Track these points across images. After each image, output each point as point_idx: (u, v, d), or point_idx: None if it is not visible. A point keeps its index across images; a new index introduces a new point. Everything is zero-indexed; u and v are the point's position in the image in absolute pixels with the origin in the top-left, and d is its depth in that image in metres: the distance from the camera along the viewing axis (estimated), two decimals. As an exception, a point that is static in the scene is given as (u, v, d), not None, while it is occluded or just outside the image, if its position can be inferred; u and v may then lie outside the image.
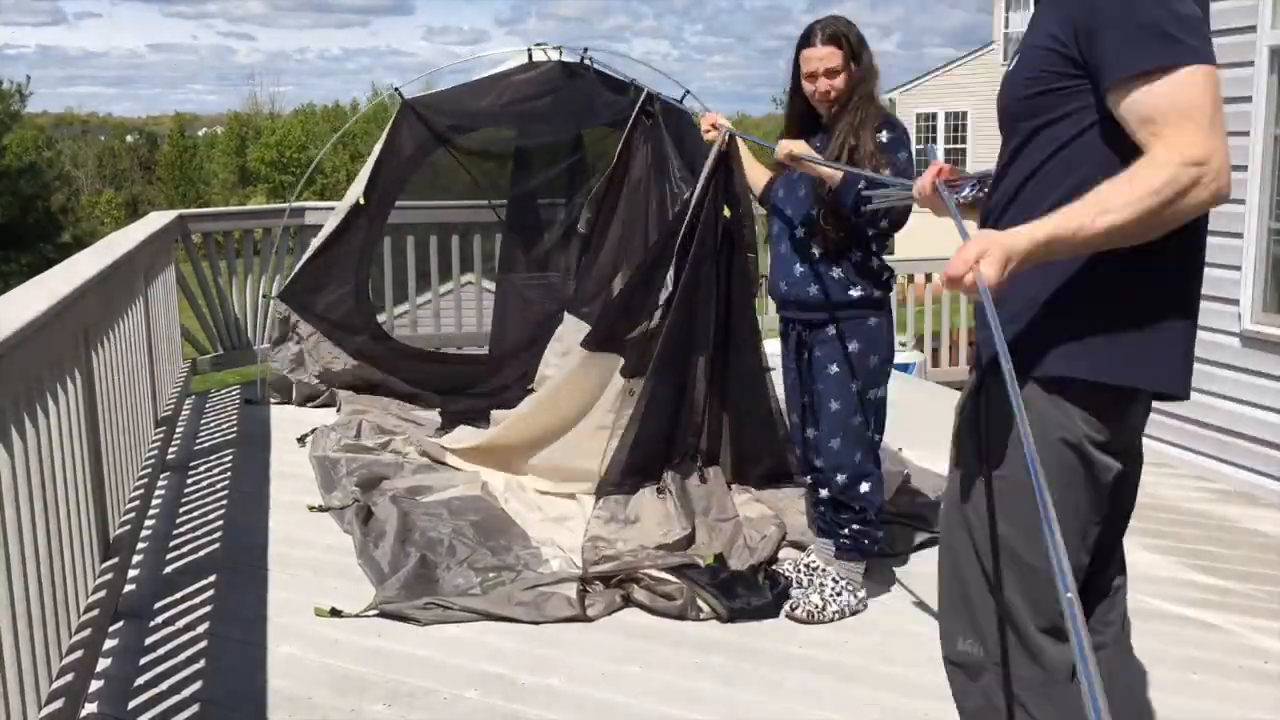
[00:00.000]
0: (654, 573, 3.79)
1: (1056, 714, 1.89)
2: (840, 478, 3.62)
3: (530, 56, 6.29)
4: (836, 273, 3.56)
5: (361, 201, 6.23)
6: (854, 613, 3.67)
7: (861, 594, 3.73)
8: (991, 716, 1.96)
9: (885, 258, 3.69)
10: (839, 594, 3.65)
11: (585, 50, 6.25)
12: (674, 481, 4.25)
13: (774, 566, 3.95)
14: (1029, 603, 1.89)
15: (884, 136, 3.49)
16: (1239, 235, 5.06)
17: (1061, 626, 1.86)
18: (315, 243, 6.42)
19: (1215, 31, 5.47)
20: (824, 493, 3.69)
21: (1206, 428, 5.33)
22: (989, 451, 1.94)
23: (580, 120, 6.40)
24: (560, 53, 6.26)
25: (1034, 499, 1.28)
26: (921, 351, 8.91)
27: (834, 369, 3.59)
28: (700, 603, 3.69)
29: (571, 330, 5.94)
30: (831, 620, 3.61)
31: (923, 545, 4.26)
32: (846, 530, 3.67)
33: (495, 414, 5.64)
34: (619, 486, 4.26)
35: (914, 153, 3.59)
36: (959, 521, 1.99)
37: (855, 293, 3.56)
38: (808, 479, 3.89)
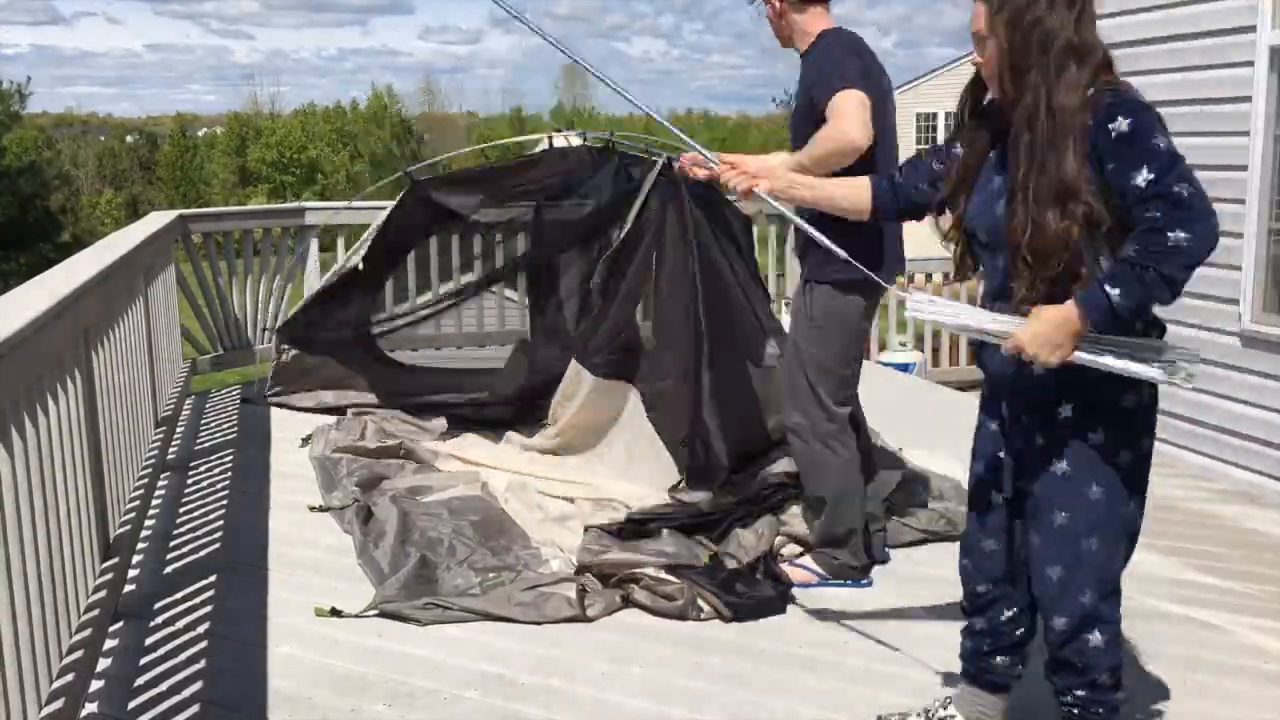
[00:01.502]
0: (654, 573, 3.79)
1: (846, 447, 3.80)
2: (1060, 622, 2.54)
3: (550, 142, 6.03)
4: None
5: (361, 268, 6.11)
6: None
7: None
8: (813, 457, 3.85)
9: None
10: None
11: (611, 135, 5.96)
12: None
13: (778, 564, 3.95)
14: (830, 390, 3.78)
15: (1123, 125, 2.27)
16: (1239, 235, 5.06)
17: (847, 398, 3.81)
18: (315, 289, 6.31)
19: (1215, 31, 5.45)
20: (1050, 643, 2.60)
21: (1206, 428, 5.33)
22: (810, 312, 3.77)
23: (604, 215, 5.90)
24: (584, 139, 6.01)
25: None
26: (921, 351, 8.91)
27: (1063, 467, 2.47)
28: (701, 602, 3.69)
29: (576, 378, 5.77)
30: None
31: (919, 543, 4.26)
32: (1069, 697, 2.59)
33: (511, 435, 5.53)
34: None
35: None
36: (794, 353, 3.85)
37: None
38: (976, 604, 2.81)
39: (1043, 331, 2.32)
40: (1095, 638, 2.53)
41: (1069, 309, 2.30)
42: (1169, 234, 2.21)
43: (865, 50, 3.76)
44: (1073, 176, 2.29)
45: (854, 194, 2.86)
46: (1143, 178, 2.24)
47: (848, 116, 3.54)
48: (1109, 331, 2.32)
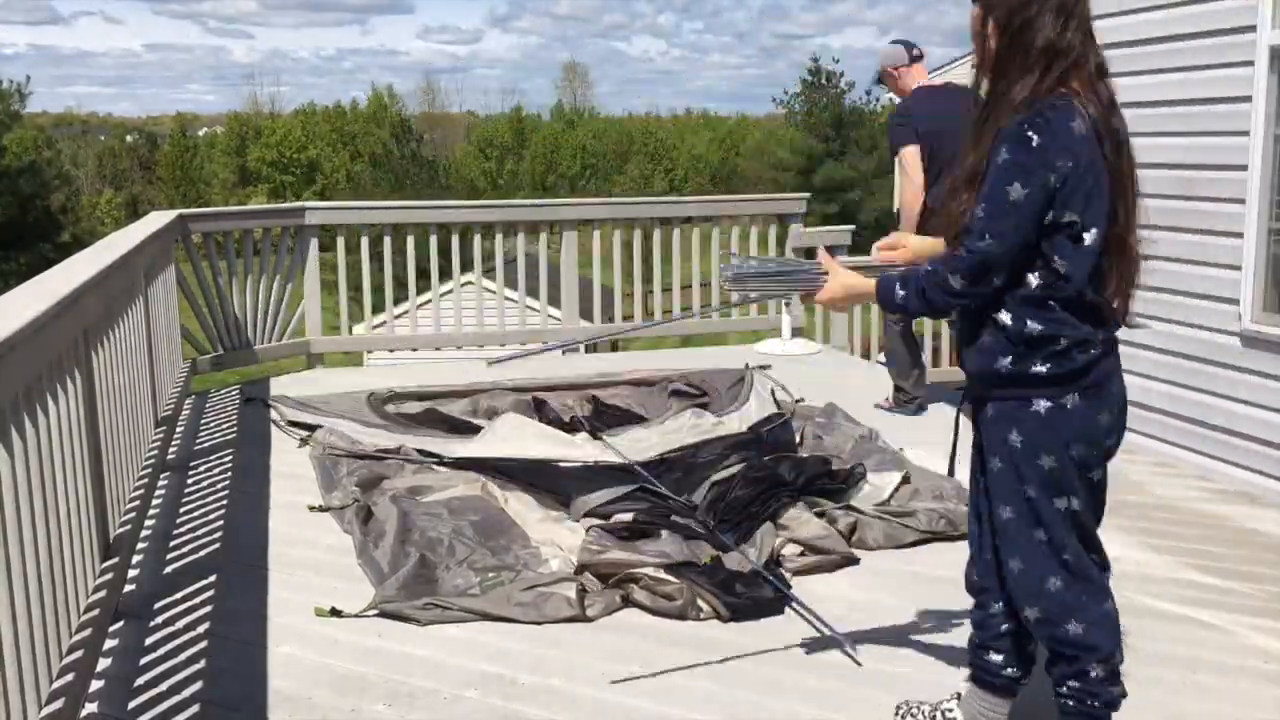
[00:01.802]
0: (654, 573, 3.79)
1: None
2: (1032, 613, 2.61)
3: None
4: (985, 334, 2.57)
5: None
6: None
7: None
8: None
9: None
10: None
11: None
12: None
13: (779, 569, 3.96)
14: None
15: (1002, 152, 2.44)
16: (1239, 235, 5.06)
17: None
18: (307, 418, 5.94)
19: (1215, 31, 5.45)
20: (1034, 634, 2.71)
21: (1206, 428, 5.33)
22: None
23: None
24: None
25: None
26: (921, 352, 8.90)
27: (995, 464, 2.60)
28: (700, 602, 3.69)
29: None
30: None
31: (919, 543, 4.26)
32: (1063, 688, 2.61)
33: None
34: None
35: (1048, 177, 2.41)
36: None
37: (1003, 364, 2.53)
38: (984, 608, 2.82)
39: (840, 291, 2.82)
40: (1074, 627, 2.56)
41: (870, 288, 2.74)
42: (950, 276, 2.52)
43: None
44: (979, 165, 2.51)
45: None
46: (978, 210, 2.48)
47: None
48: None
